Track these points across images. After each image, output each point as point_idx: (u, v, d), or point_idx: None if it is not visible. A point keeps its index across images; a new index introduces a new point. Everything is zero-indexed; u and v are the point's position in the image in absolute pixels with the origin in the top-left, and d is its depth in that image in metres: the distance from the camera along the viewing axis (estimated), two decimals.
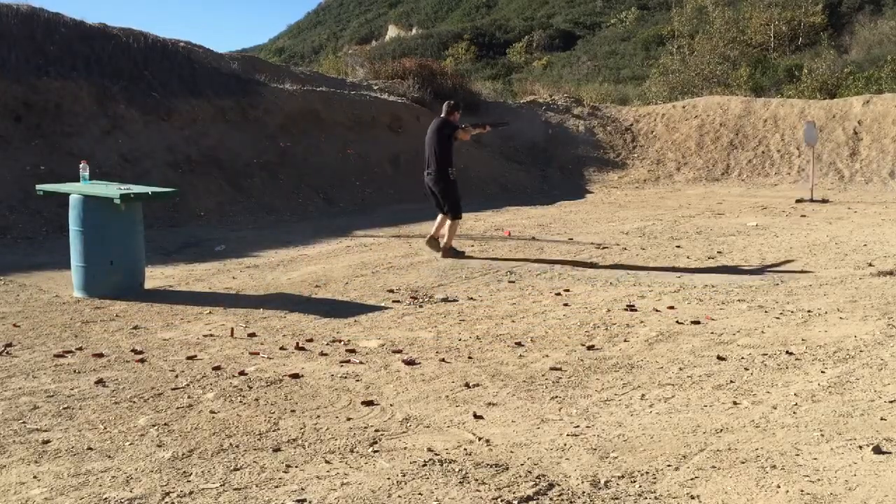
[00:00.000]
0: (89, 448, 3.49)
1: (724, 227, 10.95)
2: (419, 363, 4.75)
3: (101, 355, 4.95)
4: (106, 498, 3.00)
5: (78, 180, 7.24)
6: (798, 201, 13.94)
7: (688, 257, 8.48)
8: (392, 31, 55.12)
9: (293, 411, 3.96)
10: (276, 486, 3.10)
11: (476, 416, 3.86)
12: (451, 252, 8.58)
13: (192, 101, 13.56)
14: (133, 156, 11.99)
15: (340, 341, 5.27)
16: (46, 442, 3.56)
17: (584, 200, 15.22)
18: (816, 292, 6.62)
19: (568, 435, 3.62)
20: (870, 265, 7.77)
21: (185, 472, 3.24)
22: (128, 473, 3.22)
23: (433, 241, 8.64)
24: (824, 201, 14.02)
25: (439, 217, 8.72)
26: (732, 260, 8.28)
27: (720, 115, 18.99)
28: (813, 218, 11.85)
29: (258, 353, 4.99)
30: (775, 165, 17.45)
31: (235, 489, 3.07)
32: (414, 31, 54.04)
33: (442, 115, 8.76)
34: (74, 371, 4.65)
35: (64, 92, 12.00)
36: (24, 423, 3.81)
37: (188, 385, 4.38)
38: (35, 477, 3.20)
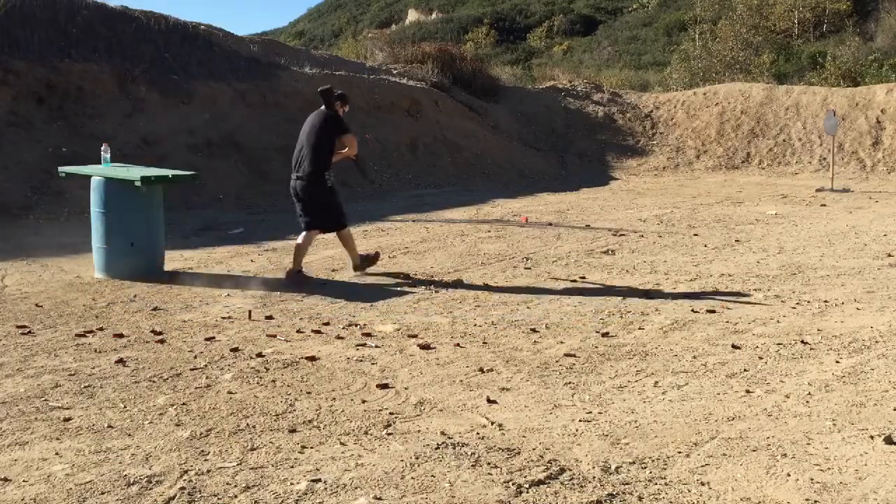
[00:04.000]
0: (109, 426, 3.56)
1: (743, 215, 10.90)
2: (434, 348, 4.79)
3: (121, 335, 5.03)
4: (125, 475, 3.07)
5: (99, 162, 7.32)
6: (818, 190, 13.83)
7: (705, 245, 8.46)
8: (412, 16, 54.94)
9: (309, 393, 4.01)
10: (292, 466, 3.15)
11: (489, 401, 3.89)
12: (364, 261, 7.01)
13: (213, 85, 13.63)
14: (153, 138, 12.08)
15: (356, 325, 5.32)
16: (68, 419, 3.64)
17: (603, 188, 15.18)
18: (834, 282, 6.60)
19: (580, 421, 3.65)
20: (889, 255, 7.72)
21: (202, 450, 3.30)
22: (147, 451, 3.29)
23: (296, 274, 6.68)
24: (845, 190, 13.91)
25: (302, 237, 6.78)
26: (750, 248, 8.25)
27: (741, 103, 18.83)
28: (833, 207, 11.77)
29: (275, 336, 5.05)
30: (796, 154, 17.31)
31: (252, 468, 3.13)
32: (434, 15, 53.85)
33: (327, 108, 6.82)
34: (95, 350, 4.73)
35: (86, 74, 12.10)
36: (46, 400, 3.89)
37: (206, 366, 4.45)
38: (57, 453, 3.28)
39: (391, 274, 7.03)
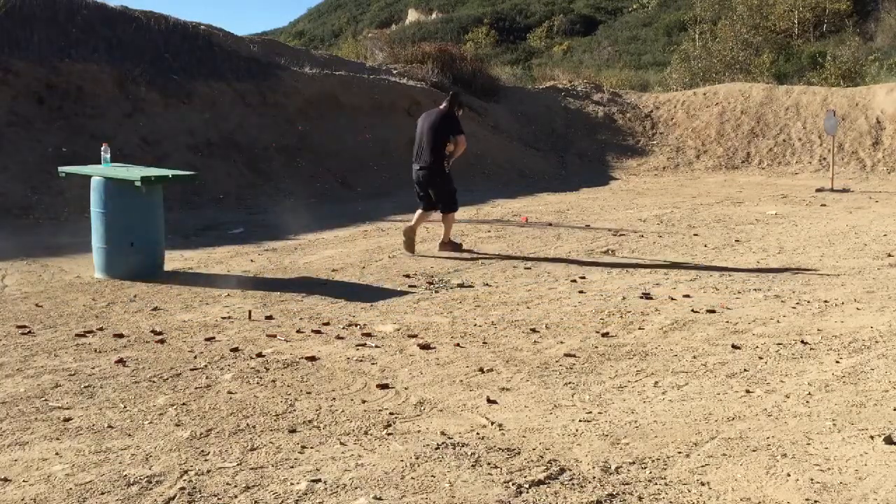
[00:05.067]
0: (109, 426, 3.56)
1: (743, 215, 10.90)
2: (434, 348, 4.79)
3: (121, 335, 5.03)
4: (126, 475, 3.07)
5: (99, 162, 7.32)
6: (818, 190, 13.84)
7: (705, 245, 8.46)
8: (412, 16, 54.92)
9: (309, 393, 4.01)
10: (292, 466, 3.15)
11: (489, 401, 3.89)
12: (449, 245, 8.10)
13: (212, 85, 13.64)
14: (153, 138, 12.08)
15: (356, 325, 5.32)
16: (68, 419, 3.64)
17: (603, 188, 15.18)
18: (834, 282, 6.60)
19: (580, 421, 3.65)
20: (889, 255, 7.72)
21: (202, 451, 3.30)
22: (147, 451, 3.29)
23: (411, 236, 7.95)
24: (845, 190, 13.91)
25: (419, 213, 8.05)
26: (750, 249, 8.26)
27: (741, 103, 18.83)
28: (833, 207, 11.77)
29: (275, 336, 5.05)
30: (796, 154, 17.31)
31: (252, 468, 3.13)
32: (434, 15, 53.84)
33: (444, 107, 8.07)
34: (95, 350, 4.73)
35: (86, 74, 12.10)
36: (46, 400, 3.89)
37: (206, 366, 4.45)
38: (57, 453, 3.28)
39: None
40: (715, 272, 7.03)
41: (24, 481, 3.03)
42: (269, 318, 5.51)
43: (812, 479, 3.04)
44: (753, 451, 3.30)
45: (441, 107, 8.09)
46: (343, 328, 5.25)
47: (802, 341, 4.89)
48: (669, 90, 23.53)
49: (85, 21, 13.01)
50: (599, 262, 7.58)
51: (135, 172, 6.87)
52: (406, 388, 4.08)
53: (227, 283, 6.62)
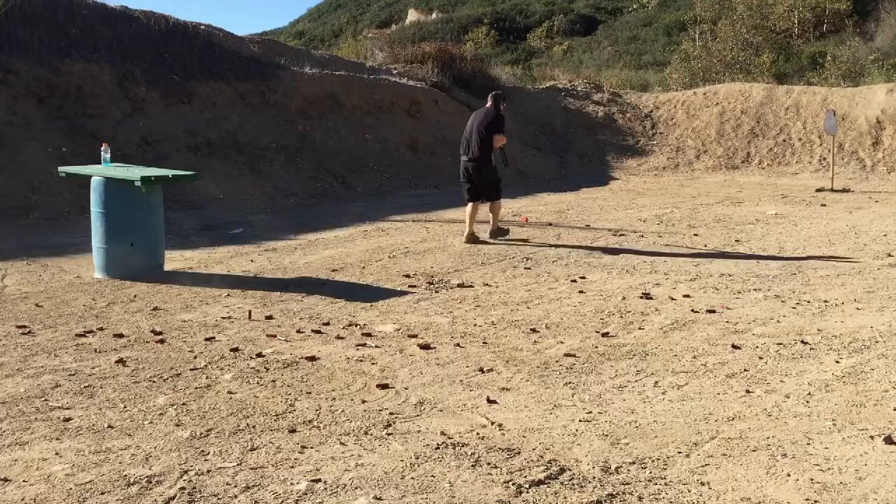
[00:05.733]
0: (109, 426, 3.56)
1: (743, 215, 10.90)
2: (434, 348, 4.79)
3: (121, 335, 5.03)
4: (126, 475, 3.07)
5: (99, 162, 7.32)
6: (818, 190, 13.83)
7: (705, 245, 8.46)
8: (412, 15, 54.88)
9: (309, 393, 4.01)
10: (292, 466, 3.15)
11: (489, 401, 3.89)
12: (499, 232, 8.80)
13: (212, 85, 13.63)
14: (153, 138, 12.08)
15: (356, 325, 5.32)
16: (68, 419, 3.64)
17: (603, 188, 15.18)
18: (834, 282, 6.60)
19: (580, 421, 3.65)
20: (889, 255, 7.72)
21: (202, 450, 3.30)
22: (147, 451, 3.29)
23: (472, 237, 8.62)
24: (845, 190, 13.91)
25: (470, 207, 8.68)
26: (750, 249, 8.26)
27: (741, 103, 18.83)
28: (833, 207, 11.77)
29: (275, 336, 5.05)
30: (796, 154, 17.31)
31: (252, 468, 3.13)
32: (434, 15, 53.80)
33: (489, 105, 8.81)
34: (95, 350, 4.73)
35: (86, 74, 12.10)
36: (46, 400, 3.89)
37: (206, 366, 4.45)
38: (57, 453, 3.28)
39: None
40: (714, 272, 7.03)
41: (24, 481, 3.03)
42: (269, 318, 5.51)
43: (812, 479, 3.04)
44: (753, 451, 3.30)
45: (487, 105, 8.91)
46: (343, 328, 5.25)
47: (802, 341, 4.89)
48: (669, 90, 23.51)
49: (85, 21, 13.01)
50: (599, 262, 7.58)
51: (135, 172, 6.87)
52: (406, 388, 4.08)
53: (227, 283, 6.62)
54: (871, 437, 3.41)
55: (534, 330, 5.20)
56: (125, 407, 3.81)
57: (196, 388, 4.09)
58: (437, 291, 6.35)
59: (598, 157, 17.94)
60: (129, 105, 12.32)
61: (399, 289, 6.45)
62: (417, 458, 3.23)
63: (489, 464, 3.18)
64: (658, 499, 2.91)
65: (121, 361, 4.49)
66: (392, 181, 14.21)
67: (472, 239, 8.63)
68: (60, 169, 7.54)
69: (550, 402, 3.90)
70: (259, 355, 4.63)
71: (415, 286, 6.53)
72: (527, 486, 2.99)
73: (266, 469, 3.13)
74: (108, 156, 7.32)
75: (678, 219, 10.55)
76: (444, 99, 17.72)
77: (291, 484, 3.00)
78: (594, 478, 3.07)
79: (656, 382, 4.17)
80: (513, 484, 3.00)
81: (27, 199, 9.97)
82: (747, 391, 4.03)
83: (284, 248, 8.30)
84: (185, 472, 3.10)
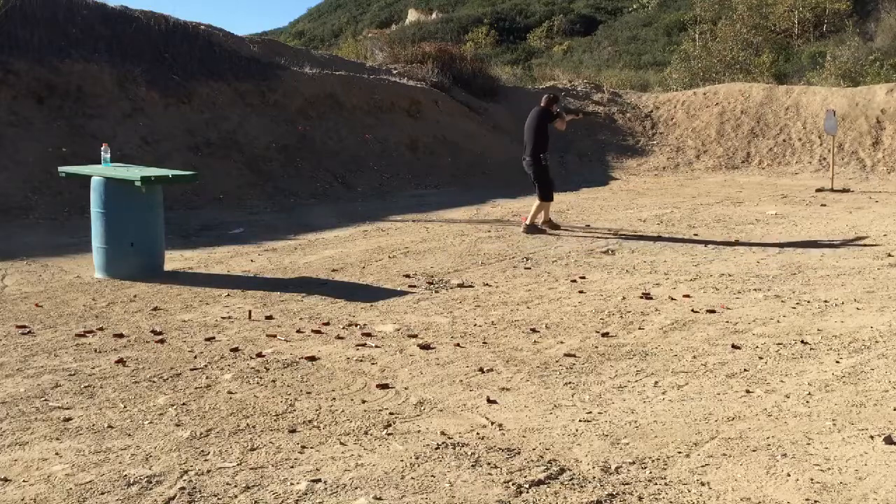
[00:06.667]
0: (110, 426, 3.56)
1: (743, 215, 10.90)
2: (434, 348, 4.79)
3: (121, 335, 5.03)
4: (126, 475, 3.07)
5: (99, 162, 7.32)
6: (818, 190, 13.83)
7: (705, 245, 8.46)
8: (412, 15, 54.89)
9: (309, 393, 4.01)
10: (292, 466, 3.15)
11: (489, 401, 3.89)
12: (532, 228, 9.22)
13: (212, 85, 13.63)
14: (153, 138, 12.08)
15: (356, 325, 5.32)
16: (68, 419, 3.64)
17: (603, 187, 15.17)
18: (834, 282, 6.60)
19: (580, 421, 3.65)
20: (889, 255, 7.72)
21: (202, 450, 3.30)
22: (147, 451, 3.29)
23: (531, 227, 9.20)
24: (845, 191, 13.90)
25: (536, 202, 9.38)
26: (750, 249, 8.25)
27: (741, 103, 18.82)
28: (833, 207, 11.76)
29: (275, 336, 5.05)
30: (796, 154, 17.30)
31: (252, 468, 3.13)
32: (434, 15, 53.81)
33: (542, 105, 9.68)
34: (95, 350, 4.73)
35: (86, 74, 12.09)
36: (46, 400, 3.89)
37: (206, 366, 4.45)
38: (57, 453, 3.28)
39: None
40: (715, 272, 7.03)
41: (24, 481, 3.03)
42: (269, 318, 5.51)
43: (812, 479, 3.04)
44: (753, 451, 3.30)
45: (540, 105, 9.74)
46: (343, 328, 5.25)
47: (802, 341, 4.89)
48: (669, 90, 23.52)
49: (85, 21, 13.01)
50: (599, 262, 7.58)
51: (135, 172, 6.86)
52: (406, 388, 4.08)
53: (227, 283, 6.62)
54: (871, 437, 3.41)
55: (534, 330, 5.20)
56: (125, 407, 3.81)
57: (196, 388, 4.09)
58: (437, 291, 6.35)
59: (598, 157, 17.93)
60: (129, 105, 12.32)
61: (399, 289, 6.45)
62: (417, 458, 3.23)
63: (489, 464, 3.18)
64: (658, 499, 2.91)
65: (121, 361, 4.50)
66: (392, 181, 14.21)
67: (556, 227, 9.42)
68: (60, 169, 7.54)
69: (550, 402, 3.90)
70: (259, 355, 4.63)
71: (415, 286, 6.53)
72: (527, 486, 2.99)
73: (266, 469, 3.13)
74: (108, 156, 7.32)
75: (678, 219, 10.55)
76: (444, 99, 17.71)
77: (291, 484, 3.00)
78: (594, 478, 3.07)
79: (656, 382, 4.17)
80: (513, 484, 3.00)
81: (27, 199, 9.97)
82: (747, 391, 4.03)
83: (284, 248, 8.30)
84: (185, 472, 3.10)
